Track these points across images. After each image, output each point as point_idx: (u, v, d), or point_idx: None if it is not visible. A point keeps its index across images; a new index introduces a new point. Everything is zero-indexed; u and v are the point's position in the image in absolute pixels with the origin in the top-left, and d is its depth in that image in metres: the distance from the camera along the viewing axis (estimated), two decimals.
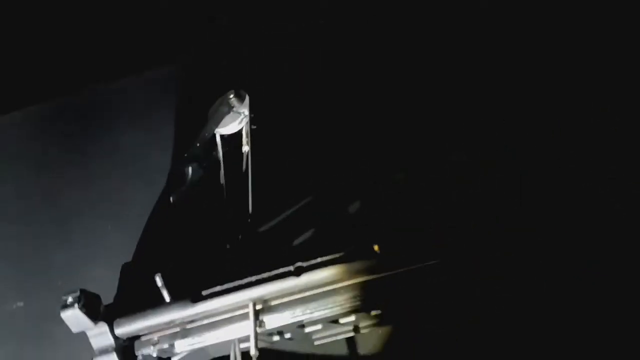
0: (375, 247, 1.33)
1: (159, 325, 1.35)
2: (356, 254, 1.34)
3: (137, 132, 1.76)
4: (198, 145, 1.63)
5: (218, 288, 1.35)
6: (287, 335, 1.39)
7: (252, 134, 1.66)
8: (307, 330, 1.38)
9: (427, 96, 1.64)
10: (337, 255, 1.35)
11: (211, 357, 1.42)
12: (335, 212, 1.56)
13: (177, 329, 1.36)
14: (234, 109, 1.66)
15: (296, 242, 1.51)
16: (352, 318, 1.37)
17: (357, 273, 1.34)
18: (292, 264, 1.35)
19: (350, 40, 1.72)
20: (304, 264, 1.34)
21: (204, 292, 1.35)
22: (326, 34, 1.73)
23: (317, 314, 1.35)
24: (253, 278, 1.35)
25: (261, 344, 1.35)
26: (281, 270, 1.35)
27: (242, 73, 1.71)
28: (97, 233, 1.65)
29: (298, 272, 1.33)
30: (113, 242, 1.63)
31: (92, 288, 1.37)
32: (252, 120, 1.67)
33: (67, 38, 1.86)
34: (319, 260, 1.34)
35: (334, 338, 1.41)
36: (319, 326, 1.38)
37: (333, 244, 1.42)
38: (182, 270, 1.45)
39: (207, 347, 1.39)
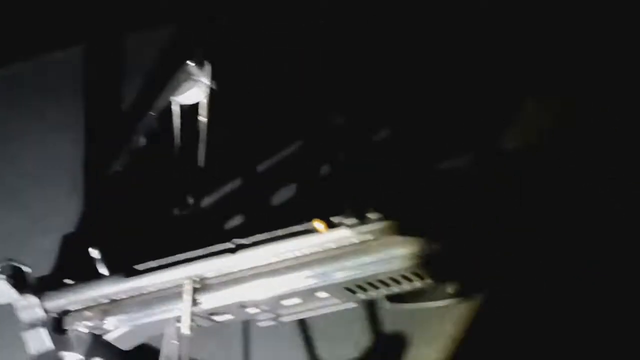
0: (318, 225, 1.24)
1: (89, 299, 1.29)
2: (300, 232, 1.27)
3: (91, 100, 1.69)
4: (152, 114, 1.56)
5: (153, 263, 1.29)
6: (228, 316, 1.32)
7: (215, 105, 1.59)
8: (249, 311, 1.30)
9: (427, 97, 1.57)
10: (279, 233, 1.28)
11: (150, 335, 1.36)
12: (289, 191, 1.49)
13: (109, 305, 1.30)
14: (193, 77, 1.58)
15: (244, 218, 1.44)
16: (296, 300, 1.30)
17: (301, 252, 1.26)
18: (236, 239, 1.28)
19: (350, 40, 1.64)
20: (243, 241, 1.27)
21: (138, 267, 1.28)
22: (326, 34, 1.65)
23: (258, 295, 1.27)
24: (190, 254, 1.28)
25: (200, 323, 1.29)
26: (219, 247, 1.28)
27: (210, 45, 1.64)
28: (42, 204, 1.60)
29: (236, 250, 1.26)
30: (58, 213, 1.57)
31: (32, 259, 1.32)
32: (215, 91, 1.60)
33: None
34: (259, 237, 1.27)
35: (278, 320, 1.34)
36: (263, 307, 1.30)
37: (283, 221, 1.36)
38: (124, 244, 1.39)
39: (144, 324, 1.33)
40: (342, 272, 1.26)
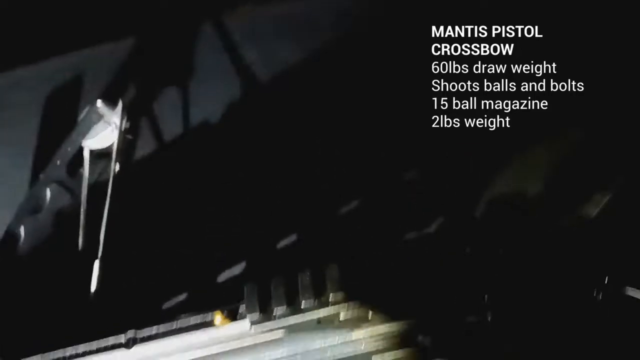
0: (218, 318, 1.11)
1: None
2: (199, 325, 1.14)
3: None
4: (59, 162, 1.41)
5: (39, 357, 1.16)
6: None
7: (128, 148, 1.45)
8: None
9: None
10: (177, 325, 1.14)
11: None
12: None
13: None
14: (104, 118, 1.43)
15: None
16: None
17: (200, 345, 1.13)
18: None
19: (351, 40, 1.51)
20: (137, 335, 1.14)
21: None
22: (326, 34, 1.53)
23: None
24: (84, 347, 1.16)
25: None
26: (114, 339, 1.15)
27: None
28: None
29: (130, 344, 1.14)
30: None
31: None
32: (128, 131, 1.45)
33: None
34: (154, 330, 1.14)
35: None
36: None
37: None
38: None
39: None
40: None
